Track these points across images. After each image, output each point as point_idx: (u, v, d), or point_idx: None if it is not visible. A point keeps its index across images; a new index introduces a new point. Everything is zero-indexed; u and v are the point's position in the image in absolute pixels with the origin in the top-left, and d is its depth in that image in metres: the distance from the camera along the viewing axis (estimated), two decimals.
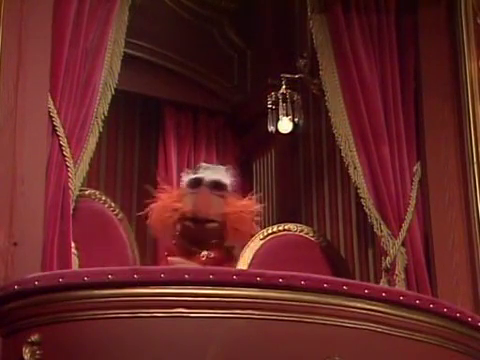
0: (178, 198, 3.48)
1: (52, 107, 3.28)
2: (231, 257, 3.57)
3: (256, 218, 3.54)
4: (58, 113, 3.29)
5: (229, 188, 3.48)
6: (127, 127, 5.21)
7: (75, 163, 3.32)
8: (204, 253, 3.42)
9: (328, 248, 4.04)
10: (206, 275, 2.52)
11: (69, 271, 2.97)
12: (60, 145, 3.29)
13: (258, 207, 3.55)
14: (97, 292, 2.52)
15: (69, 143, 3.31)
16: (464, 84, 3.82)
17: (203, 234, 3.39)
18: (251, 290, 2.52)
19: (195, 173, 3.52)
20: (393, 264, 3.66)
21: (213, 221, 3.39)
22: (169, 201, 3.46)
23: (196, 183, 3.45)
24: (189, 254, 3.44)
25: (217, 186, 3.44)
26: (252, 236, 3.67)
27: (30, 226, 3.10)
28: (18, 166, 3.12)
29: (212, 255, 3.41)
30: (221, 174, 3.51)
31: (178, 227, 3.47)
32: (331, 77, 3.90)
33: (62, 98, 3.32)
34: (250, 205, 3.52)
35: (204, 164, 3.64)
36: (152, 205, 3.52)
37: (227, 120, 5.30)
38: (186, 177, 3.57)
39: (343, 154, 3.84)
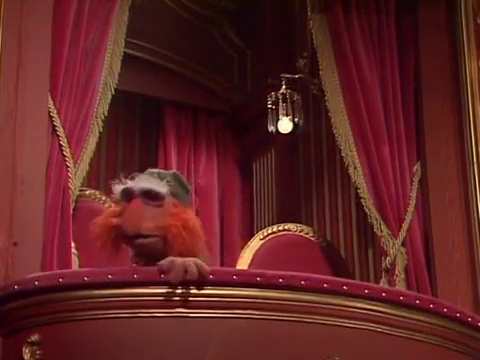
0: (117, 214, 2.98)
1: (52, 107, 3.28)
2: None
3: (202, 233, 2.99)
4: (58, 113, 3.29)
5: (167, 197, 2.95)
6: (127, 127, 5.21)
7: (75, 163, 3.33)
8: None
9: (328, 248, 4.04)
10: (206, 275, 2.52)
11: (69, 271, 2.97)
12: (60, 145, 3.29)
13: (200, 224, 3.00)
14: (97, 292, 2.52)
15: (69, 143, 3.31)
16: (464, 84, 3.82)
17: (144, 250, 2.91)
18: (251, 290, 2.52)
19: (125, 182, 3.00)
20: (393, 264, 3.66)
21: (148, 236, 2.88)
22: (106, 218, 2.97)
23: (127, 194, 2.94)
24: None
25: (149, 196, 2.92)
26: (205, 244, 3.04)
27: (30, 226, 3.10)
28: (18, 166, 3.13)
29: None
30: (155, 182, 2.98)
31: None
32: (331, 77, 3.90)
33: (62, 98, 3.32)
34: (194, 216, 3.02)
35: (149, 170, 3.08)
36: (92, 227, 2.97)
37: (227, 120, 5.30)
38: (117, 187, 3.01)
39: (343, 154, 3.84)
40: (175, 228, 2.87)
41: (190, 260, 2.54)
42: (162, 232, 2.87)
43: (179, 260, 2.54)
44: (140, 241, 2.86)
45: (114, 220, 2.93)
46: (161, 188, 2.94)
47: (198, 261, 2.55)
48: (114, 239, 2.94)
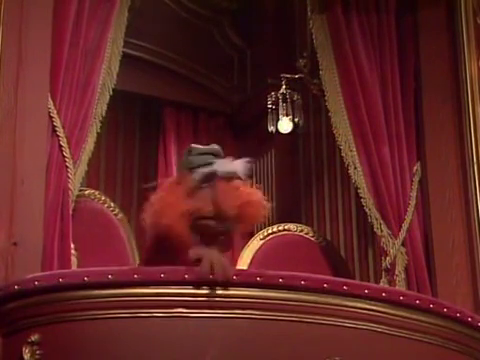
0: (187, 195, 2.94)
1: (52, 107, 3.28)
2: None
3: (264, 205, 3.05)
4: (58, 113, 3.29)
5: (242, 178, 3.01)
6: (127, 127, 5.21)
7: (75, 163, 3.33)
8: None
9: (328, 248, 4.04)
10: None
11: (69, 271, 2.97)
12: (60, 145, 3.29)
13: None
14: (97, 292, 2.52)
15: (69, 143, 3.31)
16: (464, 84, 3.82)
17: (224, 233, 2.95)
18: (251, 290, 2.53)
19: (205, 165, 3.01)
20: (393, 264, 3.66)
21: (232, 218, 2.93)
22: (176, 200, 2.92)
23: (210, 177, 2.96)
24: None
25: (232, 178, 2.98)
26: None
27: (30, 226, 3.10)
28: (18, 166, 3.12)
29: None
30: (234, 164, 3.03)
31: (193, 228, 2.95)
32: (331, 77, 3.90)
33: (62, 98, 3.32)
34: (257, 192, 3.05)
35: (198, 147, 3.14)
36: (153, 207, 2.93)
37: (227, 120, 5.30)
38: (199, 173, 3.00)
39: (343, 154, 3.84)
40: (248, 206, 2.92)
41: (218, 259, 2.54)
42: (238, 211, 2.89)
43: (206, 256, 2.54)
44: (230, 223, 2.88)
45: (189, 202, 2.88)
46: (241, 170, 3.00)
47: (225, 261, 2.56)
48: (193, 225, 2.86)
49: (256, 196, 2.97)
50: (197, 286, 2.50)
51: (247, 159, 3.07)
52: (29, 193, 3.12)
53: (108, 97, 3.52)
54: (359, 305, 2.60)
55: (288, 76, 4.69)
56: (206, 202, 2.92)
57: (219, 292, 2.50)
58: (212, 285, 2.51)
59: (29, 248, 3.06)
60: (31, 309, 2.58)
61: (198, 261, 2.56)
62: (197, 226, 2.89)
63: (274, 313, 2.52)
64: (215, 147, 3.10)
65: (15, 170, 3.11)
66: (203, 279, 2.49)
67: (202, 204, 2.91)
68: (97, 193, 3.75)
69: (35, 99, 3.23)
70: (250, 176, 3.16)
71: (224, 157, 3.07)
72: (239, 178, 2.98)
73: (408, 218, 3.72)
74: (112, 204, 3.75)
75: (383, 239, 3.70)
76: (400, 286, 3.60)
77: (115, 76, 3.56)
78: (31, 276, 2.64)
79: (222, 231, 2.90)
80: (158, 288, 2.50)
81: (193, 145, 3.12)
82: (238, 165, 3.03)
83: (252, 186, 3.05)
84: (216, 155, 3.04)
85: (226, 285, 2.51)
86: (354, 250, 4.45)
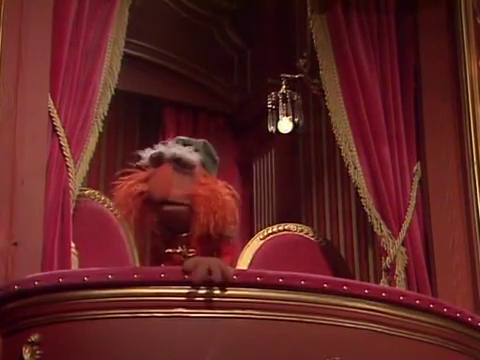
0: (144, 179, 2.89)
1: (52, 107, 3.28)
2: (220, 254, 2.96)
3: (235, 204, 2.94)
4: (58, 113, 3.29)
5: (198, 166, 2.88)
6: (127, 127, 5.21)
7: (75, 163, 3.32)
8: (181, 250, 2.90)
9: (328, 248, 4.04)
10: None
11: (69, 271, 2.97)
12: (60, 145, 3.29)
13: (236, 195, 2.95)
14: (97, 292, 2.52)
15: (69, 143, 3.31)
16: (464, 84, 3.81)
17: (170, 218, 2.81)
18: (251, 290, 2.52)
19: (156, 148, 2.95)
20: (393, 264, 3.66)
21: (175, 203, 2.80)
22: (132, 184, 2.89)
23: (157, 160, 2.88)
24: (171, 245, 2.92)
25: (181, 163, 2.85)
26: (234, 225, 3.00)
27: (30, 226, 3.10)
28: (18, 166, 3.12)
29: (191, 253, 2.88)
30: (186, 150, 2.90)
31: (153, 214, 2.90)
32: (331, 77, 3.90)
33: (62, 98, 3.32)
34: (226, 188, 2.93)
35: (180, 137, 3.05)
36: (116, 192, 2.93)
37: (227, 120, 5.30)
38: (146, 152, 2.98)
39: (343, 154, 3.84)
40: (204, 199, 2.80)
41: (215, 262, 2.50)
42: (190, 201, 2.79)
43: (204, 261, 2.50)
44: (167, 208, 2.79)
45: (140, 185, 2.86)
46: (193, 156, 2.88)
47: (222, 264, 2.52)
48: (141, 206, 2.86)
49: (224, 191, 2.85)
50: (197, 286, 2.50)
51: (205, 142, 2.98)
52: (29, 193, 3.12)
53: (110, 97, 3.52)
54: (359, 305, 2.60)
55: (288, 76, 4.69)
56: (150, 183, 2.85)
57: (219, 292, 2.50)
58: (212, 285, 2.50)
59: (29, 248, 3.06)
60: (31, 309, 2.58)
61: (195, 267, 2.49)
62: (145, 207, 2.84)
63: (274, 313, 2.52)
64: (187, 139, 3.01)
65: (15, 170, 3.11)
66: (203, 280, 2.48)
67: (145, 186, 2.85)
68: (97, 193, 3.75)
69: (35, 99, 3.22)
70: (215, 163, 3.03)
71: (210, 154, 3.01)
72: (189, 162, 2.86)
73: (408, 218, 3.72)
74: (112, 204, 3.75)
75: (383, 239, 3.70)
76: (400, 286, 3.60)
77: (116, 76, 3.56)
78: (31, 276, 2.64)
79: (167, 214, 2.78)
80: (158, 288, 2.50)
81: (179, 137, 3.05)
82: (188, 150, 2.91)
83: (226, 187, 2.93)
84: (192, 146, 2.95)
85: (225, 286, 2.50)
86: (354, 250, 4.45)
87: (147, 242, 4.76)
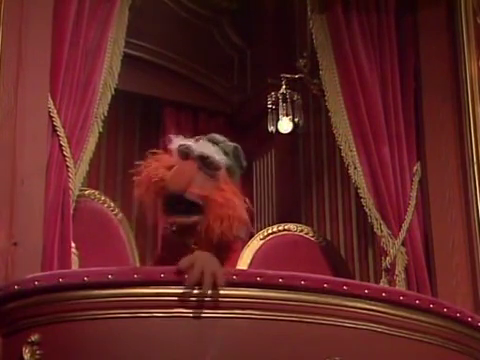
0: (169, 166, 2.87)
1: (52, 107, 3.28)
2: (227, 257, 2.94)
3: (243, 222, 2.89)
4: (58, 113, 3.29)
5: (223, 170, 2.84)
6: (127, 127, 5.21)
7: (75, 163, 3.32)
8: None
9: (328, 248, 4.04)
10: None
11: (69, 271, 2.97)
12: (60, 145, 3.29)
13: (250, 209, 2.91)
14: (97, 292, 2.52)
15: (69, 143, 3.31)
16: (464, 84, 3.82)
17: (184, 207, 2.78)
18: (251, 290, 2.52)
19: (187, 141, 2.91)
20: (393, 264, 3.66)
21: (192, 202, 2.76)
22: (157, 166, 2.87)
23: (184, 154, 2.85)
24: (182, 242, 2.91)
25: (206, 164, 2.82)
26: (233, 238, 2.94)
27: (30, 226, 3.10)
28: (18, 166, 3.12)
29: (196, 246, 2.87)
30: (216, 150, 2.87)
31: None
32: (331, 77, 3.90)
33: (62, 98, 3.32)
34: (241, 199, 2.88)
35: (214, 136, 3.00)
36: (140, 169, 2.92)
37: (227, 120, 5.31)
38: (177, 141, 2.94)
39: (343, 154, 3.84)
40: (217, 205, 2.77)
41: (209, 266, 2.47)
42: (204, 203, 2.76)
43: (199, 263, 2.46)
44: (180, 220, 2.77)
45: (162, 171, 2.83)
46: (220, 159, 2.86)
47: (217, 268, 2.49)
48: (156, 191, 2.84)
49: (234, 204, 2.81)
50: (197, 286, 2.49)
51: (237, 147, 2.95)
52: (29, 193, 3.12)
53: (110, 97, 3.52)
54: (359, 305, 2.60)
55: (288, 76, 4.69)
56: (170, 173, 2.82)
57: (219, 292, 2.50)
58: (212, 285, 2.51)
59: (29, 248, 3.06)
60: (31, 309, 2.58)
61: (190, 268, 2.47)
62: (159, 195, 2.83)
63: (274, 313, 2.52)
64: (221, 139, 3.00)
65: (15, 170, 3.11)
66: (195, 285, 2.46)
67: (169, 176, 2.82)
68: (97, 193, 3.75)
69: (35, 99, 3.23)
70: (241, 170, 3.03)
71: (238, 156, 2.98)
72: (215, 164, 2.85)
73: (408, 218, 3.72)
74: (112, 204, 3.75)
75: (383, 239, 3.70)
76: (400, 286, 3.60)
77: (116, 76, 3.56)
78: (31, 276, 2.64)
79: (181, 205, 2.75)
80: (158, 288, 2.50)
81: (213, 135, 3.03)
82: (218, 152, 2.89)
83: (243, 198, 2.90)
84: (223, 149, 2.95)
85: (214, 297, 2.47)
86: (354, 250, 4.45)
87: (147, 242, 4.78)
